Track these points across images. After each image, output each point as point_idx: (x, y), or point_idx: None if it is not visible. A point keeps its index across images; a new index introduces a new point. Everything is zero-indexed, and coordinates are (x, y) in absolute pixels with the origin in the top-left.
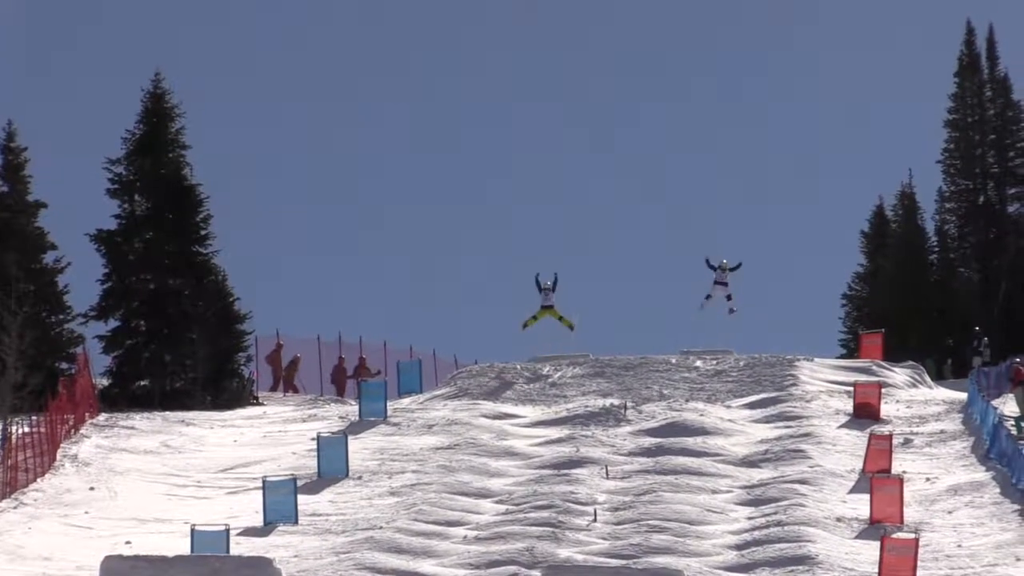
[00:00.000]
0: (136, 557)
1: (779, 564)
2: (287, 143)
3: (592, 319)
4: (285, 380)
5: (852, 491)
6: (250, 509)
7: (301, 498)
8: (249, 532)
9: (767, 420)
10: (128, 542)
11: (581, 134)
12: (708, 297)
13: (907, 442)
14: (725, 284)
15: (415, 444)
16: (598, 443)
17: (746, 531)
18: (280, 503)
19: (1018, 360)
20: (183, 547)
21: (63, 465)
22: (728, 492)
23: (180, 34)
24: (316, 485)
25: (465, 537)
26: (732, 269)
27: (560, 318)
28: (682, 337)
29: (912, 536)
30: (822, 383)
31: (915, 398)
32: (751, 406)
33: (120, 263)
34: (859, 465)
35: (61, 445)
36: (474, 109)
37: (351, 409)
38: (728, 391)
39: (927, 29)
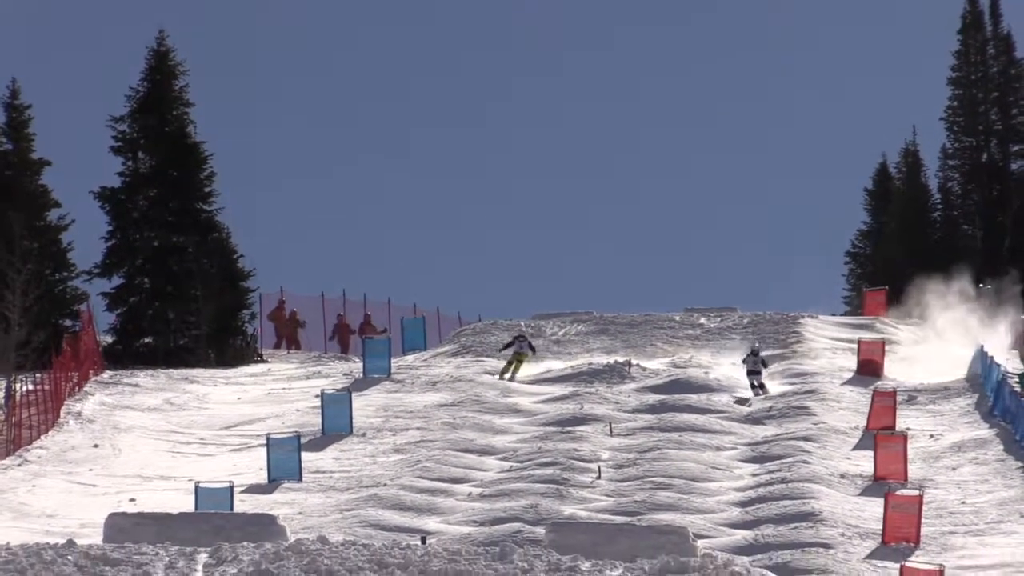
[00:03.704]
0: (140, 514)
1: (783, 521)
2: (290, 101)
3: (596, 277)
4: (288, 336)
5: (856, 448)
6: (254, 466)
7: (305, 455)
8: (253, 489)
9: (771, 377)
10: (132, 499)
11: (585, 90)
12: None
13: (911, 399)
14: (758, 373)
15: (419, 401)
16: (602, 400)
17: (750, 488)
18: (284, 460)
19: (1023, 317)
20: (187, 504)
21: (67, 422)
22: (732, 449)
23: None
24: (320, 442)
25: (469, 494)
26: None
27: (520, 364)
28: (686, 294)
29: (916, 493)
30: (826, 340)
31: (919, 354)
32: None
33: (124, 220)
34: (863, 422)
35: (65, 402)
36: (479, 54)
37: (355, 366)
38: (733, 348)
39: None
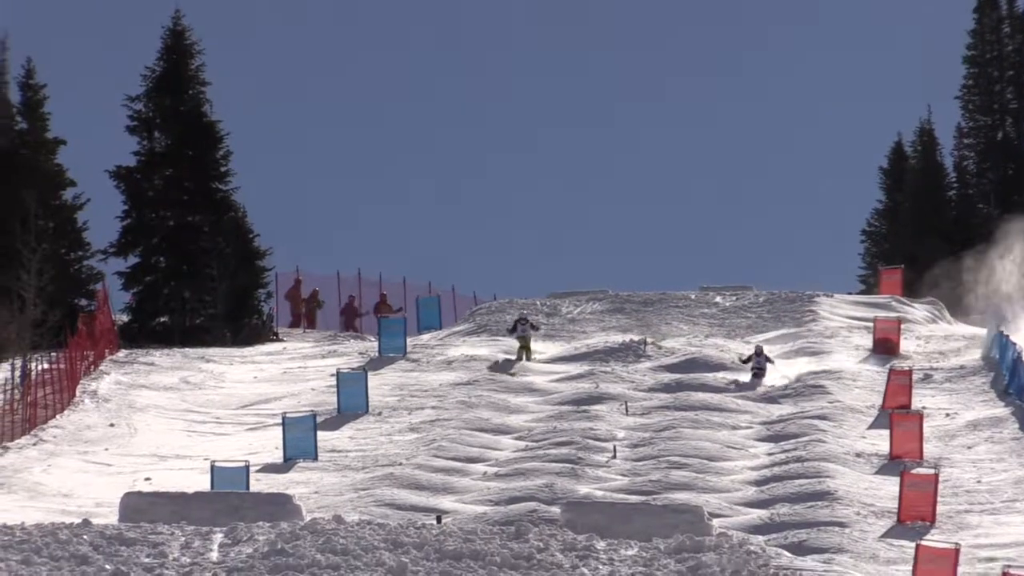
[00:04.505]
0: (156, 494)
1: (799, 500)
2: (306, 80)
3: (611, 254)
4: (307, 314)
5: (872, 427)
6: (270, 445)
7: (321, 434)
8: (269, 468)
9: (787, 356)
10: (148, 479)
11: (599, 66)
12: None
13: (927, 378)
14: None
15: (435, 380)
16: (618, 379)
17: (766, 467)
18: (300, 439)
19: None
20: (203, 483)
21: (83, 402)
22: (748, 428)
23: None
24: (336, 421)
25: (485, 473)
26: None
27: (528, 347)
28: (701, 273)
29: (932, 471)
30: (842, 319)
31: (934, 333)
32: (771, 342)
33: (139, 200)
34: (879, 401)
35: (81, 381)
36: (492, 31)
37: (371, 345)
38: (748, 327)
39: None
